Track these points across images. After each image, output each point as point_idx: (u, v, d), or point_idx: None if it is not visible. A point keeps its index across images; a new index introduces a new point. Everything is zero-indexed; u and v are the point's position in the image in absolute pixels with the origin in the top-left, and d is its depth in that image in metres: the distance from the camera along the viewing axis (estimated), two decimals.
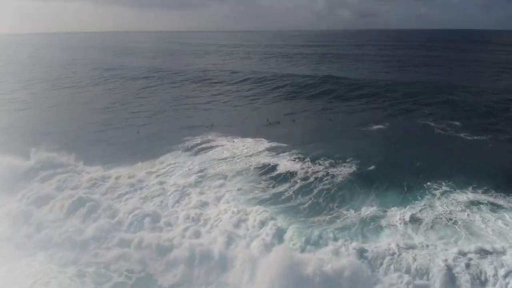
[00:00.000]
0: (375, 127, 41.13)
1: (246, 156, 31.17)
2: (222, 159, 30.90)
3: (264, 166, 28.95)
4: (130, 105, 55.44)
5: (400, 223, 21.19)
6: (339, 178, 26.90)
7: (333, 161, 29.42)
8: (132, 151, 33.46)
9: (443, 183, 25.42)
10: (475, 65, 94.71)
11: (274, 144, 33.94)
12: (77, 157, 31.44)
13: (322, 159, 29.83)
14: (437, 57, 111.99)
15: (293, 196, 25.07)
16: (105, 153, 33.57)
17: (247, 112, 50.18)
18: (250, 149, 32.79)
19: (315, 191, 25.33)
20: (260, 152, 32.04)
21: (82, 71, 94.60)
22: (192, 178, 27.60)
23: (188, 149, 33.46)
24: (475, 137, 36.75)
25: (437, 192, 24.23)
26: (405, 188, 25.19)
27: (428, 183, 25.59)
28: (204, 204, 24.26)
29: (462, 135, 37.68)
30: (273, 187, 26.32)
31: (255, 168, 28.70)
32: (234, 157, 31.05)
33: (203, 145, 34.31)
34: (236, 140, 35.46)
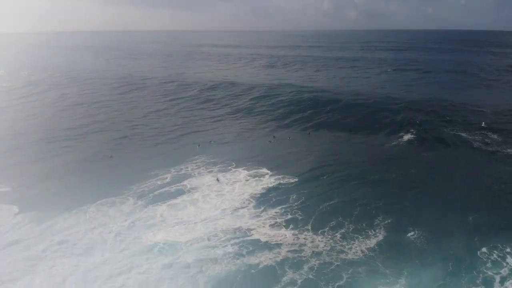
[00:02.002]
0: (405, 137, 36.21)
1: (222, 211, 21.60)
2: (178, 222, 20.77)
3: (236, 232, 19.59)
4: (115, 118, 47.81)
5: None
6: (353, 248, 18.64)
7: (347, 217, 21.28)
8: (81, 190, 25.50)
9: (508, 250, 18.07)
10: (492, 69, 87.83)
11: (274, 180, 26.47)
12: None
13: (329, 211, 21.91)
14: (451, 61, 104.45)
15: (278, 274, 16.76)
16: (48, 192, 25.62)
17: (251, 125, 43.25)
18: (236, 194, 24.08)
19: (309, 266, 17.20)
20: (246, 202, 22.83)
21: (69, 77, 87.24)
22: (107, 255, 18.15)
23: (144, 194, 24.42)
24: None
25: (498, 276, 16.68)
26: (450, 263, 17.67)
27: (483, 250, 18.50)
28: None
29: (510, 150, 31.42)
30: (242, 261, 17.59)
31: (223, 236, 19.24)
32: (201, 216, 21.23)
33: (168, 188, 25.35)
34: (221, 176, 27.17)
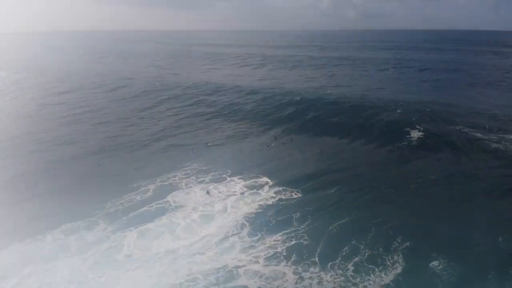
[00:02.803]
0: (414, 136, 33.19)
1: (206, 242, 17.03)
2: (146, 259, 16.05)
3: (220, 273, 14.88)
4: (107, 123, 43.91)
5: None
6: (367, 287, 14.50)
7: (361, 240, 17.44)
8: (46, 210, 21.04)
9: None
10: (494, 68, 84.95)
11: (275, 193, 22.77)
12: None
13: (340, 233, 18.07)
14: (452, 60, 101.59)
15: None
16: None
17: (249, 126, 39.81)
18: (227, 214, 19.75)
19: None
20: (238, 226, 18.31)
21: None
22: None
23: (117, 217, 19.58)
24: None
25: None
26: None
27: None
28: None
29: None
30: None
31: (202, 280, 14.46)
32: (178, 249, 16.48)
33: (147, 207, 20.64)
34: (213, 189, 23.38)
